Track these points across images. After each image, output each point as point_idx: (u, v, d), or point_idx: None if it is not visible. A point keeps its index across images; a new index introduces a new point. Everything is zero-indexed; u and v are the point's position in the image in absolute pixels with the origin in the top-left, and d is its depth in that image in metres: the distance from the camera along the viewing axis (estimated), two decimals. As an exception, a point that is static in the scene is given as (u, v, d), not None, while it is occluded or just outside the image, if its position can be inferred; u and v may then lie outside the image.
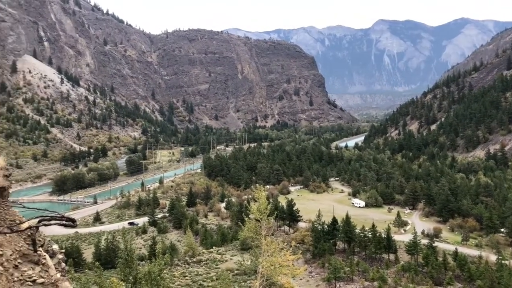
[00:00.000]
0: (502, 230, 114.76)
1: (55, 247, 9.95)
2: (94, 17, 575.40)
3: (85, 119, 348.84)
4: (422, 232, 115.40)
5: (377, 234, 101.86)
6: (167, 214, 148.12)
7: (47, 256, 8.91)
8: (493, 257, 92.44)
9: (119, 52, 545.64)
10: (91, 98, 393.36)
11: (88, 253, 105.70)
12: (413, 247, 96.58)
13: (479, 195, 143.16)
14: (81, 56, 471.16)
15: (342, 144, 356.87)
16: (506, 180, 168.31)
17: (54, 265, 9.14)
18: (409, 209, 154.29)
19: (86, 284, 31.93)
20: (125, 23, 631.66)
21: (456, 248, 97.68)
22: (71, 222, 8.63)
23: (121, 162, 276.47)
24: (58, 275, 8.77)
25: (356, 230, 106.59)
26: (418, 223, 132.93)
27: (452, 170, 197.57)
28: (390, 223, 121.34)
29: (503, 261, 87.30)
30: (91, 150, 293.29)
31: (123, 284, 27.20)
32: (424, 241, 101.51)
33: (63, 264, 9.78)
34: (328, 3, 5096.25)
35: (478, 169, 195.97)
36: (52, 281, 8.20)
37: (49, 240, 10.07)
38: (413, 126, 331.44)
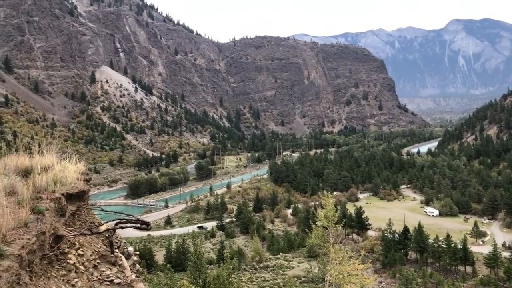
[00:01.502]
0: None
1: (130, 249, 10.38)
2: (165, 27, 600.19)
3: (157, 126, 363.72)
4: (503, 244, 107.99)
5: (452, 245, 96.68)
6: (235, 219, 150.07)
7: (123, 258, 9.30)
8: None
9: (189, 61, 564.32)
10: (163, 106, 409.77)
11: (159, 256, 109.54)
12: (493, 259, 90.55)
13: None
14: (154, 66, 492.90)
15: (414, 150, 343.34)
16: None
17: (129, 266, 9.52)
18: (488, 219, 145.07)
19: (157, 285, 33.06)
20: (194, 33, 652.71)
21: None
22: (145, 226, 8.95)
23: (191, 167, 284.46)
24: (133, 276, 9.11)
25: (429, 240, 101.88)
26: (498, 234, 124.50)
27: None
28: (467, 233, 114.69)
29: None
30: (163, 156, 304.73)
31: (193, 286, 27.83)
32: (506, 254, 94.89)
33: (138, 266, 10.17)
34: (398, 5, 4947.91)
35: None
36: (128, 282, 8.53)
37: (125, 242, 10.53)
38: (492, 131, 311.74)
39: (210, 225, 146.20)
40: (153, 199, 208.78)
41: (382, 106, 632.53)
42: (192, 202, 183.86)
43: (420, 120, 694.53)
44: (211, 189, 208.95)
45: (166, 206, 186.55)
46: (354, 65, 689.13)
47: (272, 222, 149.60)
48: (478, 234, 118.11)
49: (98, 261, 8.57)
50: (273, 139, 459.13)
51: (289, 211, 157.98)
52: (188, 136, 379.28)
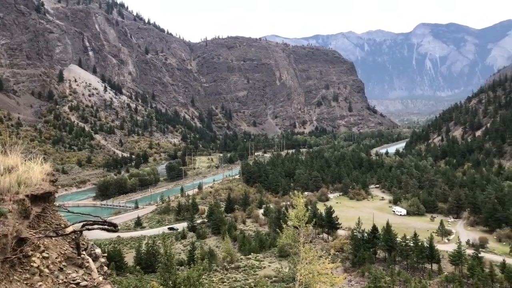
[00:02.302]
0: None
1: (98, 250, 10.21)
2: (136, 26, 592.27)
3: (127, 126, 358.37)
4: (467, 242, 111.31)
5: (419, 243, 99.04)
6: (206, 220, 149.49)
7: (90, 260, 9.15)
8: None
9: (160, 60, 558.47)
10: (133, 105, 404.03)
11: (129, 257, 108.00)
12: (457, 257, 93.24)
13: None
14: (124, 65, 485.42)
15: (383, 151, 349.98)
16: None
17: (97, 268, 9.36)
18: (453, 217, 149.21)
19: (127, 287, 32.58)
20: (165, 32, 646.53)
21: (504, 259, 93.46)
22: (113, 227, 8.83)
23: (162, 168, 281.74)
24: (100, 278, 8.97)
25: (397, 239, 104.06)
26: (463, 233, 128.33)
27: (499, 177, 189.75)
28: (433, 232, 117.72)
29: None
30: (133, 156, 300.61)
31: (163, 288, 27.55)
32: (469, 251, 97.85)
33: (105, 268, 10.01)
34: (367, 8, 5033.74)
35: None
36: (95, 284, 8.39)
37: (92, 244, 10.35)
38: (457, 132, 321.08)
39: (181, 226, 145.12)
40: (122, 200, 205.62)
41: (352, 108, 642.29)
42: (163, 203, 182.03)
43: (389, 122, 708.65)
44: (182, 190, 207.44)
45: (136, 207, 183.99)
46: (325, 67, 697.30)
47: (244, 222, 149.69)
48: (444, 232, 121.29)
49: (64, 263, 8.40)
50: (245, 140, 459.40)
51: (261, 211, 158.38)
52: (159, 136, 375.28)
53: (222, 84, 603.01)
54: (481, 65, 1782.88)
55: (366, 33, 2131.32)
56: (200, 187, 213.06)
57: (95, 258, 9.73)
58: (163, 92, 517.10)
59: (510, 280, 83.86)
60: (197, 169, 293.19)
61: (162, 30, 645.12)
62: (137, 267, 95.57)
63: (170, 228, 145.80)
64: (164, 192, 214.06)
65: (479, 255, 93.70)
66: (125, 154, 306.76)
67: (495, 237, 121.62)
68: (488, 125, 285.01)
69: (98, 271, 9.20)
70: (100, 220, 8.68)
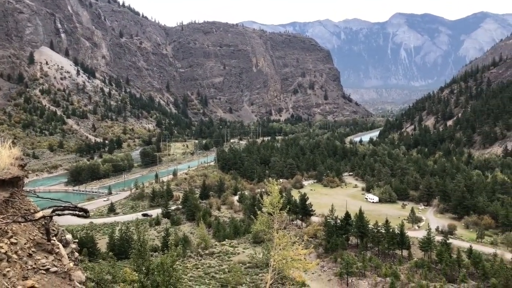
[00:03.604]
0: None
1: (69, 236, 10.05)
2: (110, 9, 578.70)
3: (100, 111, 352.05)
4: (436, 229, 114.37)
5: (391, 230, 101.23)
6: (181, 206, 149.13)
7: (60, 246, 9.00)
8: (508, 255, 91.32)
9: (135, 44, 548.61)
10: (106, 90, 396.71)
11: (102, 243, 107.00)
12: (426, 243, 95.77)
13: (495, 192, 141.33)
14: (97, 48, 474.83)
15: (357, 139, 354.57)
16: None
17: (67, 254, 9.22)
18: (424, 205, 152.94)
19: (99, 273, 32.31)
20: (141, 15, 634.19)
21: (470, 246, 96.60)
22: (83, 213, 8.69)
23: (136, 154, 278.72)
24: (71, 264, 8.84)
25: (369, 226, 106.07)
26: (433, 220, 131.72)
27: (468, 166, 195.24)
28: (404, 219, 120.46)
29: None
30: (106, 142, 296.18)
31: (136, 274, 27.46)
32: (438, 238, 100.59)
33: (76, 254, 9.88)
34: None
35: (495, 166, 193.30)
36: (65, 270, 8.27)
37: (63, 230, 10.17)
38: (429, 122, 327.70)
39: (155, 212, 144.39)
40: (95, 186, 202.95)
41: (327, 96, 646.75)
42: (137, 189, 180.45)
43: (363, 110, 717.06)
44: (156, 176, 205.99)
45: (110, 193, 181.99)
46: (301, 55, 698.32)
47: (219, 209, 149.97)
48: (414, 219, 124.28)
49: (33, 249, 8.24)
50: (221, 126, 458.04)
51: (236, 198, 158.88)
52: (133, 122, 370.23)
53: (198, 70, 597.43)
54: (454, 56, 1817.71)
55: (342, 22, 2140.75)
56: (175, 173, 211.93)
57: (66, 244, 9.59)
58: (138, 77, 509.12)
59: (476, 266, 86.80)
60: (172, 156, 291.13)
61: (137, 13, 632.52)
62: (110, 253, 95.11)
63: (144, 215, 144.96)
64: (138, 178, 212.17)
65: (448, 241, 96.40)
66: (98, 139, 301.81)
67: (463, 224, 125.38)
68: (459, 115, 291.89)
69: (68, 257, 9.06)
70: (71, 205, 8.52)
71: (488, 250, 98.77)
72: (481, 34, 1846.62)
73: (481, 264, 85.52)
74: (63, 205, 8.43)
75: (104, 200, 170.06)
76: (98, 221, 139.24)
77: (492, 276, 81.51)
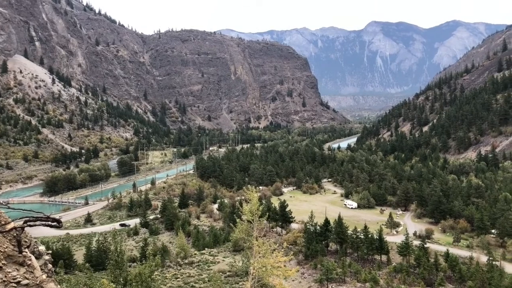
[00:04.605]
0: (493, 231, 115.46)
1: (42, 248, 9.77)
2: (86, 17, 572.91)
3: (76, 120, 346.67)
4: (414, 233, 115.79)
5: (369, 235, 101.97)
6: (159, 216, 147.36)
7: (32, 257, 8.73)
8: (483, 258, 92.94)
9: (111, 52, 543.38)
10: (82, 98, 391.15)
11: (79, 255, 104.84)
12: (405, 248, 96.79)
13: (470, 196, 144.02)
14: (73, 56, 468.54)
15: (335, 145, 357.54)
16: (496, 182, 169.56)
17: (40, 266, 8.95)
18: (401, 210, 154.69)
19: (76, 285, 31.56)
20: (117, 23, 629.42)
21: (447, 249, 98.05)
22: (56, 223, 8.47)
23: (113, 163, 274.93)
24: (44, 276, 8.59)
25: (349, 231, 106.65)
26: (410, 224, 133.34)
27: (444, 171, 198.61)
28: (382, 224, 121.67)
29: (493, 262, 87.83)
30: (83, 151, 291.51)
31: (113, 285, 26.93)
32: (416, 242, 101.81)
33: (50, 265, 9.60)
34: (321, 5, 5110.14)
35: (469, 171, 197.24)
36: (37, 283, 8.02)
37: (36, 241, 9.88)
38: (405, 128, 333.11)
39: (133, 222, 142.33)
40: (72, 197, 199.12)
41: (305, 103, 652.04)
42: (114, 199, 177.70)
43: (341, 117, 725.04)
44: (134, 185, 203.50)
45: (86, 204, 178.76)
46: (279, 62, 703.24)
47: (198, 217, 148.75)
48: (393, 224, 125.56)
49: (3, 262, 7.97)
50: (199, 134, 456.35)
51: (215, 206, 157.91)
52: (110, 131, 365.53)
53: (176, 78, 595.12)
54: (428, 63, 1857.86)
55: (319, 30, 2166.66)
56: (153, 182, 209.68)
57: (39, 256, 9.31)
58: (115, 85, 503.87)
59: (453, 269, 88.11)
60: (150, 164, 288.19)
61: (114, 21, 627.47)
62: (87, 264, 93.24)
63: (121, 225, 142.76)
64: (116, 188, 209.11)
65: (425, 245, 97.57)
66: (74, 149, 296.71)
67: (440, 228, 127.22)
68: (435, 121, 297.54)
69: (41, 269, 8.80)
70: (43, 216, 8.29)
71: (464, 253, 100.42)
72: (454, 42, 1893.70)
73: (457, 267, 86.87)
74: (35, 216, 8.20)
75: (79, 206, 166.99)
76: (75, 232, 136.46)
77: (468, 279, 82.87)
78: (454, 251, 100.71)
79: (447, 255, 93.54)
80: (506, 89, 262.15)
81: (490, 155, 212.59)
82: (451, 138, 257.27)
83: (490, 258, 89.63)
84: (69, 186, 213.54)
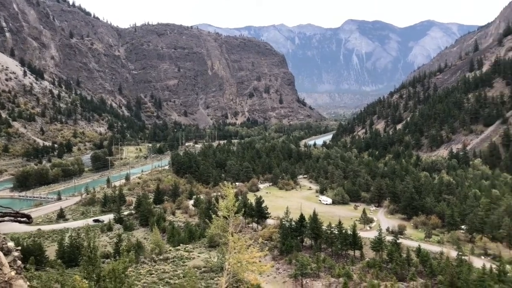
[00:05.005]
0: (463, 227, 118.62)
1: (11, 244, 9.53)
2: (59, 8, 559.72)
3: (49, 113, 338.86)
4: (387, 229, 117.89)
5: (343, 231, 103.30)
6: (134, 211, 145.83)
7: (0, 254, 8.51)
8: (453, 253, 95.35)
9: (86, 45, 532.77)
10: (55, 91, 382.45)
11: (51, 251, 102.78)
12: (378, 243, 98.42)
13: (441, 193, 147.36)
14: (46, 49, 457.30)
15: (311, 142, 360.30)
16: (467, 179, 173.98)
17: (9, 263, 8.74)
18: (375, 206, 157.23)
19: (47, 282, 30.93)
20: (92, 16, 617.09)
21: (419, 245, 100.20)
22: (26, 219, 8.27)
23: (86, 158, 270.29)
24: (13, 273, 8.38)
25: (323, 227, 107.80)
26: (383, 220, 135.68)
27: (417, 168, 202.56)
28: (356, 220, 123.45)
29: (462, 257, 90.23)
30: (55, 145, 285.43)
31: (86, 282, 26.53)
32: (389, 238, 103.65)
33: (19, 262, 9.38)
34: (298, 1, 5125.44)
35: (441, 168, 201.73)
36: (5, 279, 7.82)
37: (4, 237, 9.64)
38: (380, 125, 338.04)
39: (107, 218, 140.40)
40: (44, 192, 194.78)
41: (282, 100, 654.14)
42: (88, 194, 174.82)
43: (317, 114, 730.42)
44: (108, 180, 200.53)
45: (59, 199, 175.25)
46: (257, 59, 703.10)
47: (173, 213, 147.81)
48: (366, 220, 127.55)
49: (-30, 258, 7.74)
50: (175, 130, 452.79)
51: (191, 202, 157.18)
52: (84, 125, 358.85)
53: (151, 72, 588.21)
54: (403, 62, 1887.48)
55: (297, 27, 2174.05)
56: (127, 178, 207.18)
57: (7, 252, 9.08)
58: (89, 79, 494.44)
59: (424, 264, 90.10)
60: (124, 160, 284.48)
61: (88, 14, 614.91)
62: (59, 261, 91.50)
63: (95, 220, 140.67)
64: (89, 183, 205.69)
65: (398, 241, 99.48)
66: (46, 143, 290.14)
67: (412, 224, 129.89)
68: (408, 119, 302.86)
69: (10, 266, 8.59)
70: (12, 211, 8.08)
71: (435, 248, 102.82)
72: (428, 41, 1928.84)
73: (428, 262, 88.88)
74: (3, 212, 7.98)
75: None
76: (47, 227, 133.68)
77: (439, 273, 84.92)
78: (426, 246, 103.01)
79: (418, 250, 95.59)
80: (477, 89, 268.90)
81: (461, 153, 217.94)
82: (424, 136, 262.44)
83: (460, 253, 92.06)
84: (41, 181, 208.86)
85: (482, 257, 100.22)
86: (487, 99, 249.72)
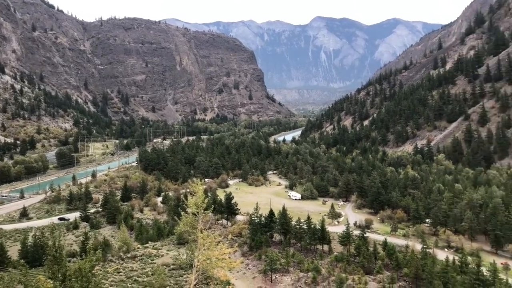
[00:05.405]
0: (427, 220, 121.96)
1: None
2: (21, 0, 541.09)
3: (11, 109, 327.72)
4: (355, 224, 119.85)
5: (312, 226, 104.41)
6: (100, 209, 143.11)
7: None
8: (418, 246, 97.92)
9: (49, 39, 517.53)
10: (17, 86, 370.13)
11: (13, 251, 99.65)
12: (345, 238, 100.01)
13: (407, 187, 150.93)
14: (6, 42, 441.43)
15: (280, 138, 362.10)
16: (431, 174, 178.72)
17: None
18: (343, 201, 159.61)
19: (9, 283, 29.92)
20: (56, 9, 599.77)
21: (385, 238, 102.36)
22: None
23: (51, 154, 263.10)
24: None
25: (292, 222, 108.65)
26: (351, 215, 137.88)
27: (383, 163, 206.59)
28: (325, 215, 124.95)
29: (427, 250, 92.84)
30: (18, 142, 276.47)
31: (51, 282, 25.87)
32: (356, 232, 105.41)
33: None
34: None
35: (406, 163, 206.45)
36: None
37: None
38: (347, 122, 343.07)
39: (73, 216, 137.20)
40: (5, 190, 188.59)
41: (252, 96, 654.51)
42: (53, 192, 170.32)
43: (286, 110, 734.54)
44: (74, 178, 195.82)
45: (22, 197, 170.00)
46: (226, 54, 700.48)
47: (141, 211, 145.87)
48: (334, 215, 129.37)
49: None
50: (143, 126, 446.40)
51: (159, 199, 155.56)
52: (48, 121, 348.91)
53: (118, 67, 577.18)
54: (370, 59, 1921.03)
55: (266, 23, 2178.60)
56: (94, 175, 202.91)
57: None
58: (53, 73, 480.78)
59: (390, 257, 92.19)
60: (90, 156, 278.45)
61: (52, 6, 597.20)
62: (22, 261, 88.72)
63: (60, 219, 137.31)
64: (54, 181, 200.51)
65: (365, 235, 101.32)
66: (8, 140, 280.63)
67: (378, 218, 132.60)
68: (375, 115, 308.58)
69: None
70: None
71: (401, 242, 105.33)
72: (394, 39, 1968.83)
73: (394, 255, 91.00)
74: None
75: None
76: (8, 227, 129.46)
77: (404, 266, 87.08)
78: (392, 240, 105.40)
79: (385, 244, 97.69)
80: (440, 86, 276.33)
81: (426, 149, 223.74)
82: (390, 132, 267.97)
83: (424, 246, 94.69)
84: (3, 179, 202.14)
85: (446, 250, 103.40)
86: (450, 96, 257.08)
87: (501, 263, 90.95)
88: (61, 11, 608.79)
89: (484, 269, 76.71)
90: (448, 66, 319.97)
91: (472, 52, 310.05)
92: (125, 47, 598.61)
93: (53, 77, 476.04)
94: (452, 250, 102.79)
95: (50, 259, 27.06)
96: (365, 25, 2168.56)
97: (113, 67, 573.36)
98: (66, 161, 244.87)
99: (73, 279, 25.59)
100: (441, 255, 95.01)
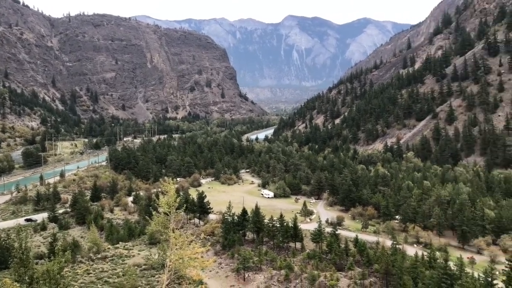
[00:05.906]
0: (397, 217, 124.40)
1: None
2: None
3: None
4: (326, 221, 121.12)
5: (285, 224, 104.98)
6: (69, 210, 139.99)
7: None
8: (388, 242, 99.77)
9: (14, 34, 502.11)
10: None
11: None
12: (318, 235, 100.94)
13: (377, 185, 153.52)
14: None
15: (253, 137, 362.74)
16: (401, 171, 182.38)
17: None
18: (315, 199, 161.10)
19: (-27, 288, 28.97)
20: (21, 3, 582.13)
21: (356, 235, 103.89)
22: None
23: (17, 154, 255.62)
24: None
25: (265, 220, 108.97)
26: (323, 212, 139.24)
27: (354, 161, 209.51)
28: (297, 213, 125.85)
29: (397, 246, 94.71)
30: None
31: (18, 285, 25.14)
32: (328, 229, 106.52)
33: None
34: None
35: (377, 161, 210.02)
36: None
37: None
38: (319, 120, 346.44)
39: (41, 217, 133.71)
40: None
41: (224, 94, 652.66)
42: (19, 192, 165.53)
43: (259, 109, 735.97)
44: (41, 178, 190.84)
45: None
46: (198, 52, 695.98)
47: (112, 211, 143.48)
48: (307, 213, 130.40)
49: None
50: (113, 124, 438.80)
51: (130, 199, 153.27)
52: (13, 120, 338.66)
53: (87, 64, 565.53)
54: (341, 58, 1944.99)
55: (238, 21, 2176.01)
56: (62, 174, 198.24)
57: None
58: (19, 70, 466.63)
59: (361, 254, 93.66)
60: (59, 156, 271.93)
61: (17, 1, 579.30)
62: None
63: (27, 220, 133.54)
64: (20, 181, 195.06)
65: (336, 232, 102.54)
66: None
67: (350, 215, 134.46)
68: (346, 114, 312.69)
69: None
70: None
71: (371, 238, 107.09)
72: (364, 38, 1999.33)
73: (365, 252, 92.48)
74: None
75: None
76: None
77: (375, 262, 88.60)
78: (363, 236, 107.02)
79: (356, 240, 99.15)
80: (410, 85, 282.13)
81: (395, 147, 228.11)
82: (361, 130, 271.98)
83: (394, 242, 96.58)
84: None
85: (415, 245, 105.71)
86: (419, 95, 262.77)
87: (468, 258, 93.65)
88: (27, 6, 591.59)
89: (451, 264, 78.81)
90: (417, 66, 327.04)
91: (440, 52, 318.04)
92: (94, 44, 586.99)
93: (19, 74, 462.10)
94: (421, 246, 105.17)
95: (17, 261, 26.31)
96: (337, 24, 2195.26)
97: (82, 64, 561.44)
98: (33, 160, 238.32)
99: (40, 282, 24.97)
100: (411, 250, 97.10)
